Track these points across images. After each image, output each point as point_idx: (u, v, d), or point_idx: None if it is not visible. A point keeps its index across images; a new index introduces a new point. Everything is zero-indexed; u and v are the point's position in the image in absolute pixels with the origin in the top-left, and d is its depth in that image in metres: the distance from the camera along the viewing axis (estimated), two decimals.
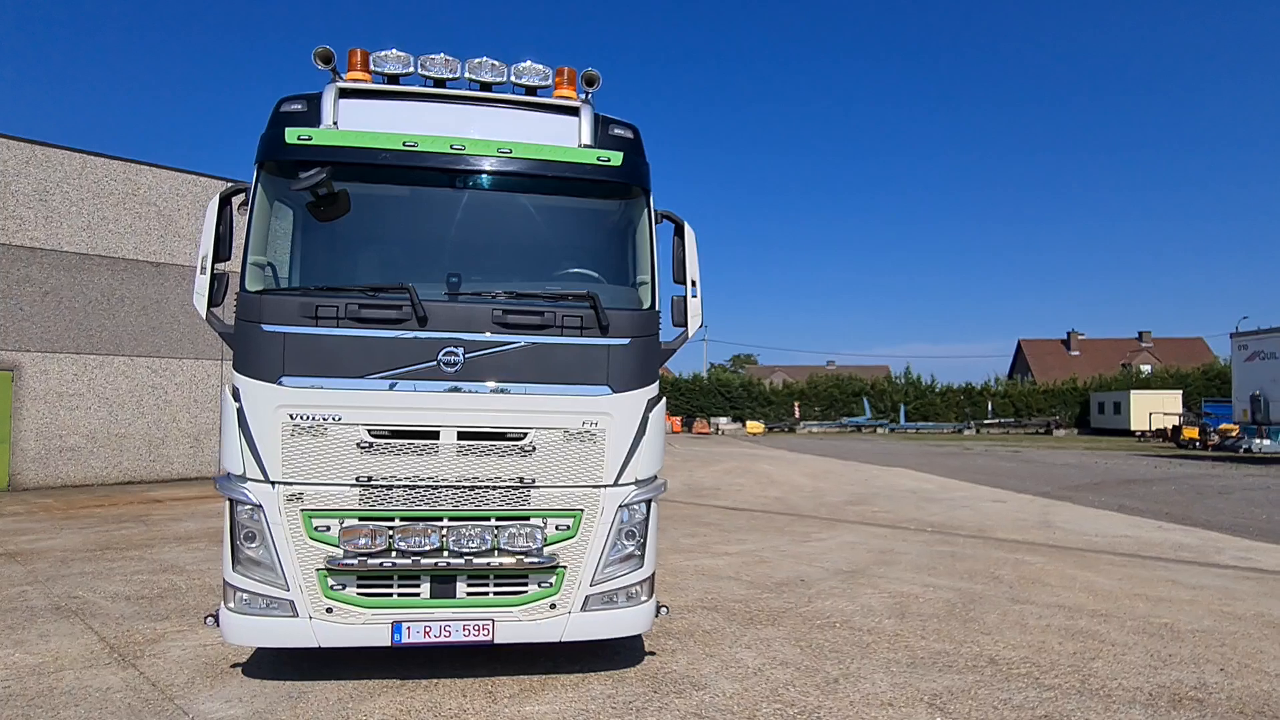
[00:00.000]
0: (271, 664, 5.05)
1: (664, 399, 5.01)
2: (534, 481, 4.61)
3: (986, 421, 56.70)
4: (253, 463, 4.45)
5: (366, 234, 4.95)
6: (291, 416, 4.45)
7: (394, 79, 4.93)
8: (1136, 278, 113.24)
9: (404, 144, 4.65)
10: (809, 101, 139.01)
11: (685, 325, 5.12)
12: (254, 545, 4.47)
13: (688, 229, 5.20)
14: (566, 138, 4.95)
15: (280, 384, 4.46)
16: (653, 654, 5.36)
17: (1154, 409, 46.72)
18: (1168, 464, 25.96)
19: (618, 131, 5.06)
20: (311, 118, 4.73)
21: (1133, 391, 50.19)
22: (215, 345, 17.25)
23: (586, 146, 4.92)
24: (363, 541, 4.40)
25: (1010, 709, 4.48)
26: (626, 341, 4.76)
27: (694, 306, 5.14)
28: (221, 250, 4.83)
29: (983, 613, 6.66)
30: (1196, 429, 36.62)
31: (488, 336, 4.58)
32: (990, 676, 5.03)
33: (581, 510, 4.66)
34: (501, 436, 4.59)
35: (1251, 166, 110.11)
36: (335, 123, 4.70)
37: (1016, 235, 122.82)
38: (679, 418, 54.52)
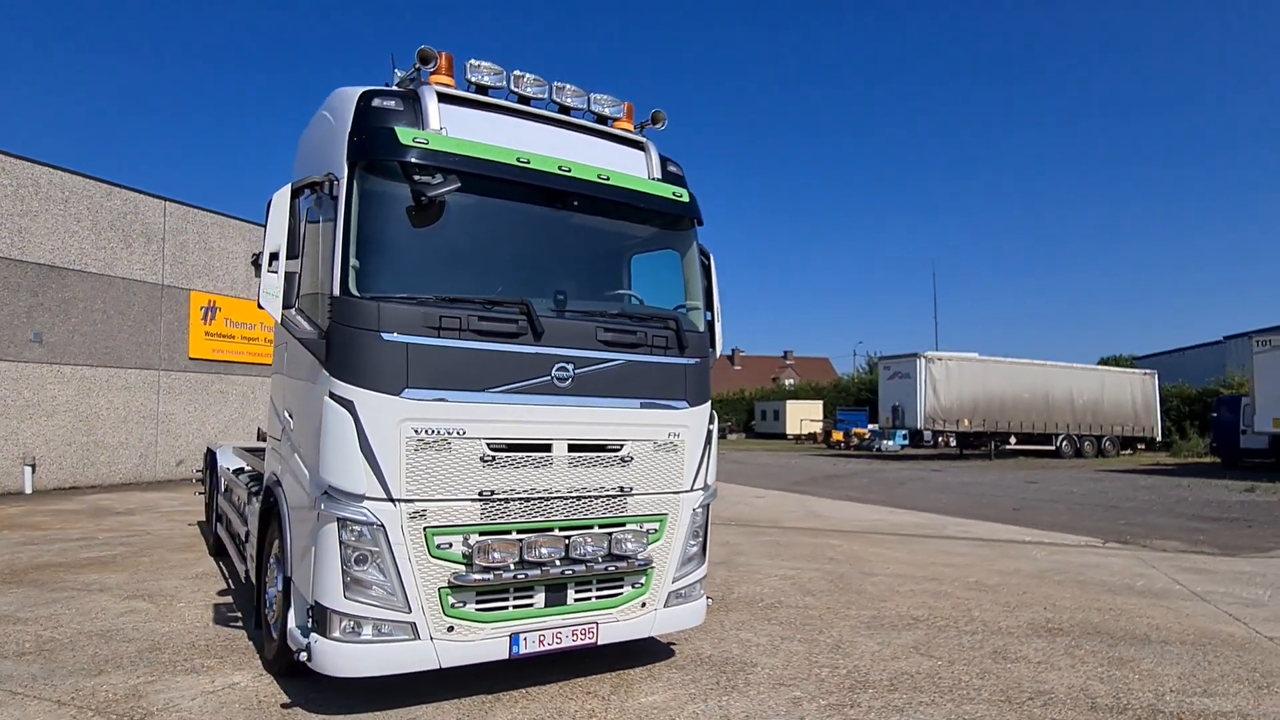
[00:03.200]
0: (322, 699, 4.64)
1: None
2: (631, 490, 4.93)
3: None
4: (373, 480, 4.18)
5: (463, 244, 4.83)
6: (416, 431, 4.27)
7: (483, 90, 4.90)
8: (781, 306, 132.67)
9: (517, 159, 4.70)
10: None
11: (714, 347, 5.77)
12: (366, 567, 4.19)
13: (712, 259, 5.86)
14: (637, 169, 5.33)
15: (403, 396, 4.25)
16: (673, 643, 5.88)
17: (803, 416, 55.97)
18: (841, 462, 31.65)
19: (672, 169, 5.56)
20: (410, 118, 4.54)
21: (787, 401, 59.49)
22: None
23: (655, 180, 5.36)
24: (496, 556, 4.37)
25: (970, 649, 5.87)
26: (696, 361, 5.30)
27: (718, 330, 5.82)
28: (292, 248, 4.41)
29: (859, 586, 8.18)
30: (841, 433, 44.79)
31: (593, 353, 4.82)
32: (930, 630, 6.43)
33: (666, 515, 5.09)
34: (603, 448, 4.85)
35: (863, 221, 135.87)
36: (443, 128, 4.57)
37: None
38: None
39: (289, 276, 4.37)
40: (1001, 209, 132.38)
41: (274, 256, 4.37)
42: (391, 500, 4.22)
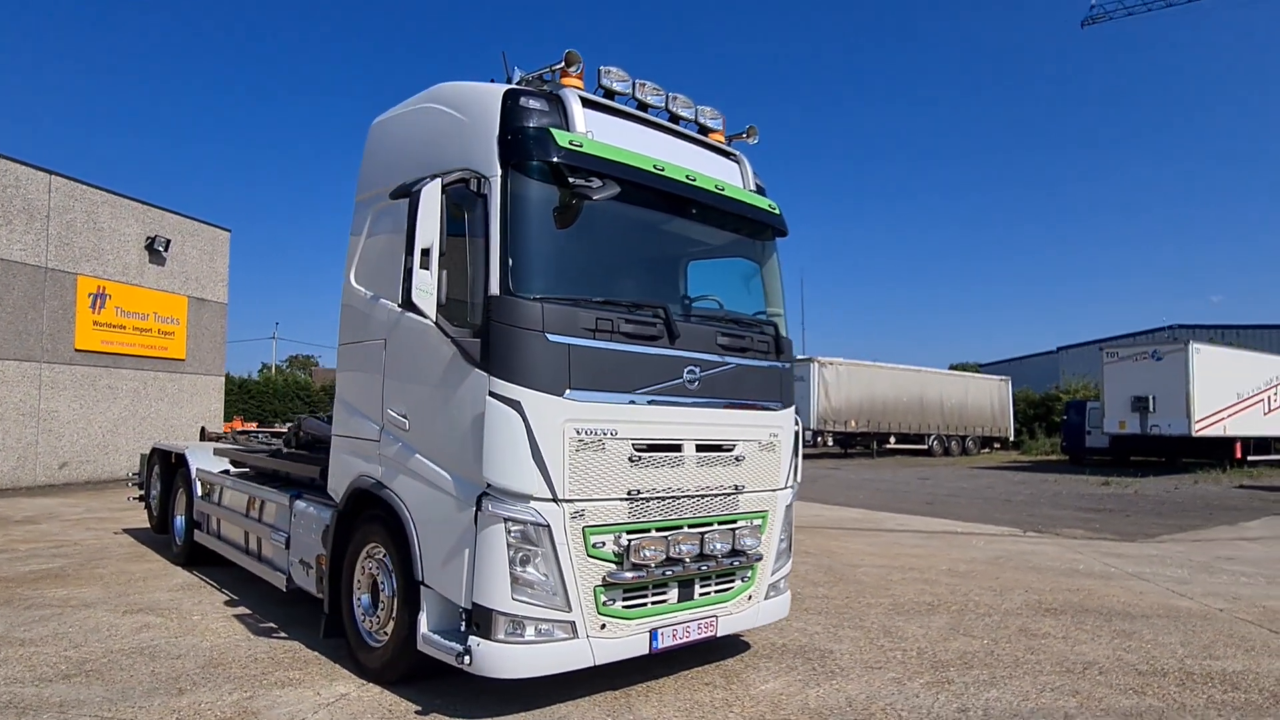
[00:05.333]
0: (455, 704, 4.56)
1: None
2: (742, 488, 5.15)
3: None
4: (540, 480, 4.19)
5: (596, 247, 4.87)
6: (578, 432, 4.31)
7: (611, 94, 4.98)
8: None
9: (654, 167, 4.81)
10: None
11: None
12: (530, 568, 4.19)
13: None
14: (735, 179, 5.57)
15: (566, 397, 4.28)
16: (742, 635, 6.13)
17: None
18: None
19: (758, 181, 5.83)
20: (556, 119, 4.56)
21: None
22: None
23: (751, 191, 5.62)
24: (647, 554, 4.47)
25: (999, 629, 6.50)
26: (787, 365, 5.60)
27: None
28: (441, 244, 4.34)
29: (853, 577, 8.75)
30: None
31: (714, 357, 5.01)
32: (952, 614, 7.03)
33: (767, 511, 5.35)
34: (720, 448, 5.04)
35: None
36: (589, 132, 4.62)
37: None
38: (254, 424, 48.66)
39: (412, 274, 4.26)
40: (857, 223, 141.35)
41: (425, 253, 4.26)
42: (556, 500, 4.24)
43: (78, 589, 7.43)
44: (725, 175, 5.46)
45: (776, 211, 5.65)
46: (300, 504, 6.05)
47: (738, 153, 5.72)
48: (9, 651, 5.47)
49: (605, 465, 4.43)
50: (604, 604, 4.42)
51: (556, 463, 4.24)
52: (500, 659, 4.13)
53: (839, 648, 5.88)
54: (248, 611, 6.68)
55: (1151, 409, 25.08)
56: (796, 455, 5.60)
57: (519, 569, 4.17)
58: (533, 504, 4.18)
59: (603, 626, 4.40)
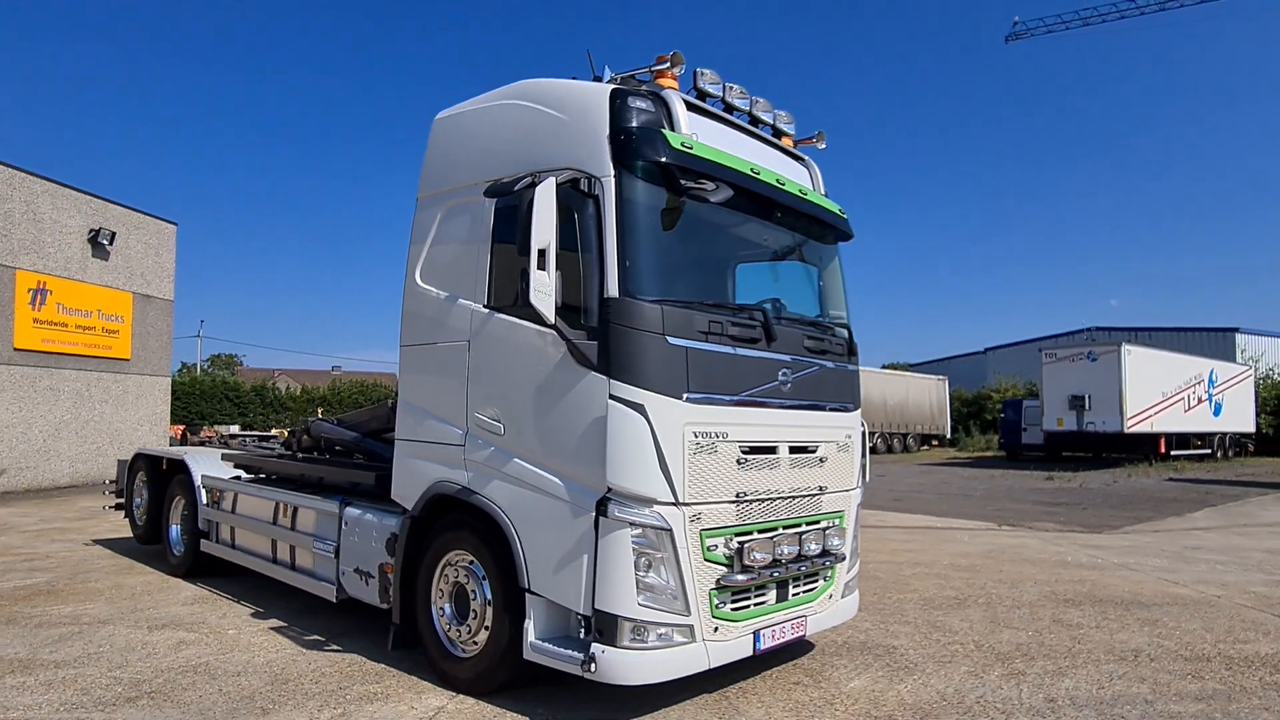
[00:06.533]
0: (559, 713, 4.48)
1: None
2: (825, 488, 5.22)
3: None
4: (664, 484, 4.15)
5: (695, 249, 4.86)
6: (695, 435, 4.30)
7: (702, 96, 4.98)
8: None
9: (750, 170, 4.83)
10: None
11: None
12: (653, 572, 4.16)
13: None
14: (806, 183, 5.63)
15: (685, 400, 4.26)
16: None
17: None
18: None
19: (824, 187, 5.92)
20: (661, 120, 4.53)
21: None
22: None
23: (822, 195, 5.70)
24: (757, 556, 4.49)
25: (1036, 620, 6.76)
26: (856, 367, 5.70)
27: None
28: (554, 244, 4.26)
29: (871, 573, 8.95)
30: None
31: (803, 359, 5.06)
32: (982, 607, 7.27)
33: (844, 511, 5.43)
34: (806, 450, 5.10)
35: None
36: (694, 133, 4.60)
37: None
38: (180, 426, 46.36)
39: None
40: None
41: (542, 253, 4.17)
42: (677, 504, 4.21)
43: (81, 605, 6.97)
44: (799, 179, 5.53)
45: (845, 216, 5.75)
46: (353, 511, 5.82)
47: (806, 157, 5.79)
48: (47, 674, 5.10)
49: (717, 468, 4.43)
50: (716, 607, 4.42)
51: (677, 466, 4.21)
52: (625, 665, 4.08)
53: (899, 644, 6.02)
54: (282, 624, 6.39)
55: (1088, 407, 26.46)
56: (865, 456, 5.71)
57: (643, 574, 4.13)
58: (656, 508, 4.15)
59: (715, 629, 4.40)
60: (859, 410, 5.70)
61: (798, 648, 5.79)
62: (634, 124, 4.39)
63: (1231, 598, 7.77)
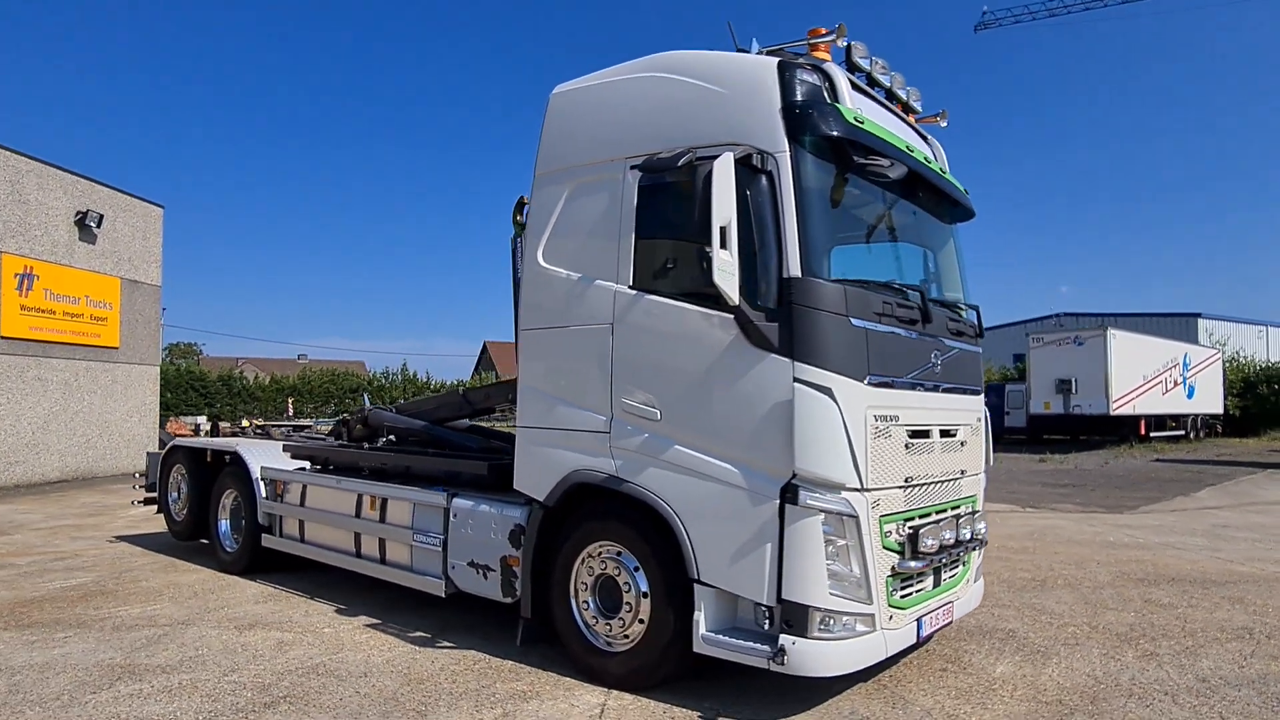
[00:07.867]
0: (729, 706, 4.34)
1: None
2: (964, 472, 5.15)
3: None
4: (850, 469, 4.02)
5: (857, 226, 4.72)
6: (876, 419, 4.17)
7: (853, 69, 4.82)
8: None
9: (907, 147, 4.70)
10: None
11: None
12: (839, 560, 4.03)
13: None
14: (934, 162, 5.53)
15: (866, 383, 4.13)
16: None
17: None
18: None
19: None
20: (828, 94, 4.37)
21: None
22: None
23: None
24: (930, 542, 4.39)
25: (1127, 601, 6.80)
26: (981, 349, 5.63)
27: None
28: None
29: None
30: None
31: (950, 341, 4.97)
32: (1066, 589, 7.30)
33: (976, 495, 5.37)
34: (950, 434, 5.01)
35: None
36: (859, 109, 4.45)
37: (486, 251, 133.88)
38: (192, 420, 44.85)
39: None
40: None
41: (724, 230, 3.99)
42: (863, 490, 4.09)
43: (147, 605, 6.62)
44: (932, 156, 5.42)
45: (969, 197, 5.66)
46: (464, 502, 5.59)
47: (930, 135, 5.68)
48: (158, 681, 4.80)
49: (891, 452, 4.31)
50: (891, 594, 4.32)
51: (861, 451, 4.09)
52: (815, 657, 3.96)
53: (1017, 627, 6.00)
54: (376, 620, 6.13)
55: (1074, 390, 27.02)
56: (988, 439, 5.65)
57: (831, 562, 4.00)
58: (844, 494, 4.02)
59: (890, 618, 4.30)
60: (982, 394, 5.63)
61: None
62: (805, 98, 4.23)
63: None
